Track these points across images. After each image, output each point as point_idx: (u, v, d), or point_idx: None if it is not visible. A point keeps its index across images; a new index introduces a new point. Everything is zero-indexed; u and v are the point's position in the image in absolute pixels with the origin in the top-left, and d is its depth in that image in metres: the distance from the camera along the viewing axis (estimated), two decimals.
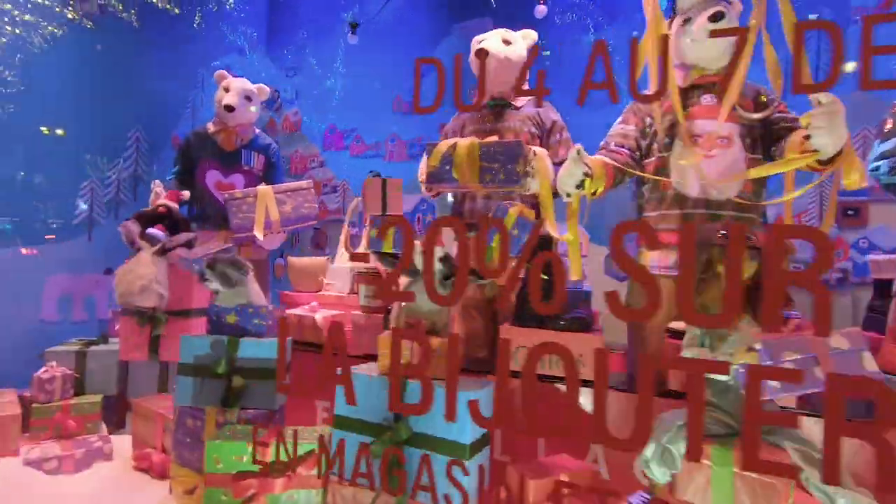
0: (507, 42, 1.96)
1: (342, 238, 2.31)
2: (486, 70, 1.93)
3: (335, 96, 3.45)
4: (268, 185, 2.69)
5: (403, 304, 1.48)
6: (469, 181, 1.57)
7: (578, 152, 1.52)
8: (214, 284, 1.59)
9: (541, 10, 2.63)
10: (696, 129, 1.68)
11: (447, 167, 1.59)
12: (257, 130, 2.71)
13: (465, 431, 1.21)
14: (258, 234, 2.34)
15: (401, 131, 3.30)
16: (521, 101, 2.02)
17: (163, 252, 2.01)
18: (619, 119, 1.89)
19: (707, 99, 1.69)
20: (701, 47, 1.66)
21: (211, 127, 2.62)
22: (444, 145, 1.59)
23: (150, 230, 2.02)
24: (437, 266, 1.43)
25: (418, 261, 1.43)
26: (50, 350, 2.06)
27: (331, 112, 3.47)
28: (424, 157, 2.21)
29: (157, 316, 2.01)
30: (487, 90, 2.02)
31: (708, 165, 1.65)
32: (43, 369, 1.96)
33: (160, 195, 2.26)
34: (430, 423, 1.29)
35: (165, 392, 2.12)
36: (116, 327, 2.47)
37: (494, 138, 1.57)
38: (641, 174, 1.69)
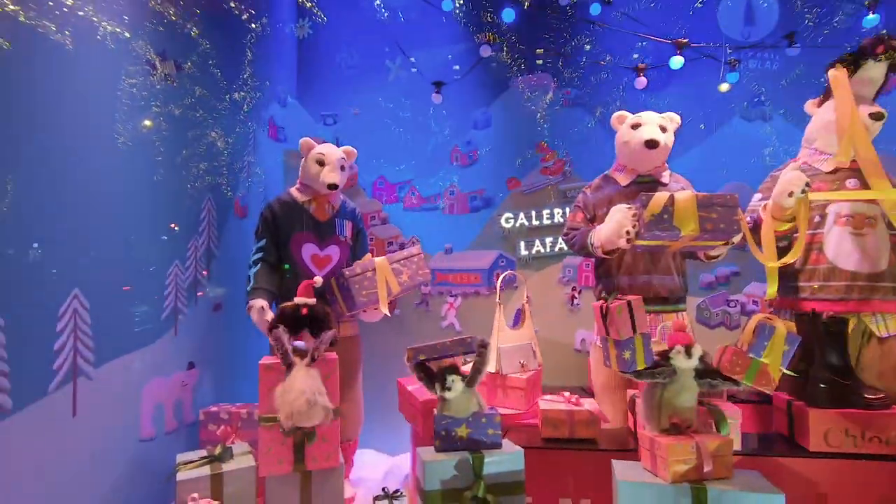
0: (663, 129, 2.05)
1: (498, 316, 2.25)
2: (649, 156, 2.02)
3: (385, 146, 3.31)
4: (356, 251, 2.55)
5: (664, 403, 1.49)
6: (689, 231, 1.62)
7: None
8: (455, 390, 1.48)
9: (641, 81, 2.76)
10: (846, 209, 1.90)
11: (665, 216, 1.63)
12: (342, 196, 2.53)
13: None
14: (384, 308, 2.20)
15: (460, 183, 3.25)
16: (665, 178, 2.12)
17: (313, 360, 1.81)
18: (763, 196, 2.06)
19: (852, 183, 1.91)
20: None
21: (298, 196, 2.40)
22: (662, 197, 1.64)
23: (296, 343, 1.82)
24: (695, 363, 1.47)
25: (677, 361, 1.47)
26: (182, 479, 1.76)
27: (380, 163, 3.32)
28: (571, 214, 2.24)
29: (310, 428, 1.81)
30: (637, 169, 2.11)
31: (861, 242, 1.87)
32: None
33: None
34: None
35: None
36: (214, 429, 2.18)
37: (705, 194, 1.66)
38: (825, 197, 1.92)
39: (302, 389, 1.73)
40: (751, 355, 1.46)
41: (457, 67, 3.19)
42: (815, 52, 2.76)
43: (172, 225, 2.15)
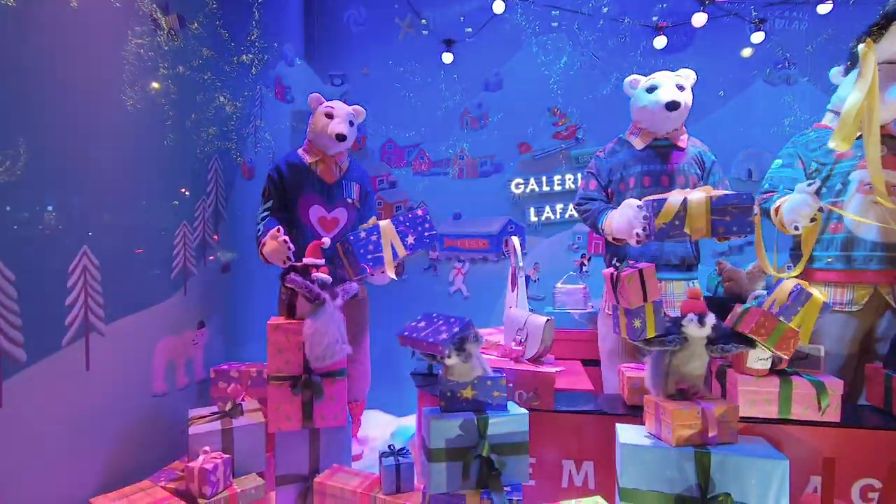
0: (680, 87, 1.97)
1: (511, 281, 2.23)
2: (670, 119, 1.95)
3: (394, 109, 3.24)
4: (363, 214, 2.53)
5: (672, 370, 1.48)
6: (702, 235, 1.59)
7: (817, 191, 1.63)
8: (454, 359, 1.48)
9: (661, 40, 2.63)
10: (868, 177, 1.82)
11: (677, 223, 1.59)
12: (350, 158, 2.49)
13: None
14: (390, 272, 2.19)
15: (470, 148, 3.19)
16: (683, 142, 2.05)
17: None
18: (784, 163, 1.98)
19: (882, 150, 1.83)
20: (888, 110, 1.77)
21: (307, 157, 2.37)
22: (674, 203, 1.58)
23: (320, 277, 1.82)
24: (707, 332, 1.45)
25: (689, 329, 1.45)
26: (194, 433, 1.80)
27: (389, 126, 3.26)
28: (583, 181, 2.19)
29: (316, 382, 1.84)
30: (655, 133, 2.04)
31: (883, 212, 1.80)
32: (201, 458, 1.72)
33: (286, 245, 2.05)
34: (741, 492, 1.33)
35: (318, 467, 1.94)
36: (224, 387, 2.23)
37: (721, 192, 1.58)
38: (843, 213, 1.80)
39: (335, 335, 1.76)
40: (780, 318, 1.43)
41: (469, 30, 3.07)
42: (848, 10, 2.61)
43: (183, 190, 2.14)
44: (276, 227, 2.10)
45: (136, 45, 1.85)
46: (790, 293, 1.46)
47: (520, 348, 1.88)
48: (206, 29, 2.26)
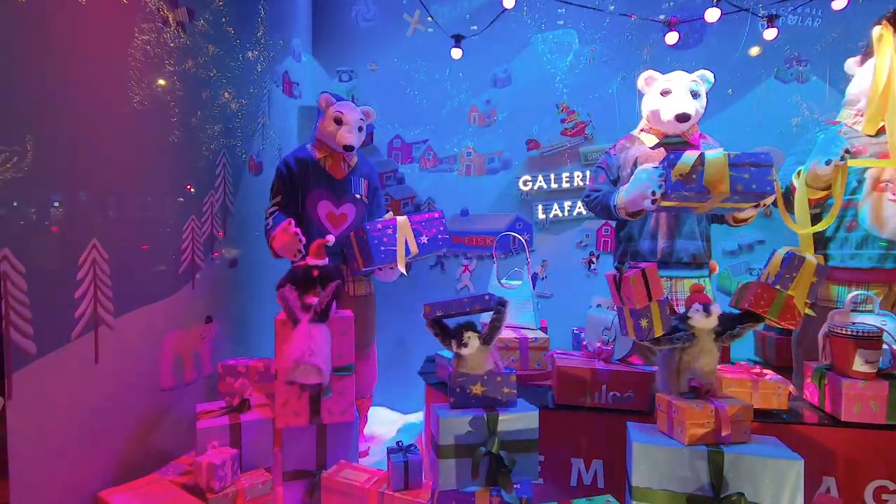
0: (695, 94, 1.95)
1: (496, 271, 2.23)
2: (679, 129, 1.93)
3: (401, 105, 3.22)
4: (371, 210, 2.53)
5: (683, 367, 1.46)
6: (720, 191, 1.55)
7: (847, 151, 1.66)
8: (471, 348, 1.47)
9: (672, 36, 2.60)
10: (886, 174, 1.80)
11: (694, 177, 1.56)
12: (358, 153, 2.48)
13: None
14: (401, 267, 2.18)
15: (477, 145, 3.17)
16: (695, 139, 2.03)
17: (321, 318, 1.81)
18: (798, 160, 1.96)
19: None
20: None
21: (316, 153, 2.36)
22: (691, 155, 1.57)
23: (311, 300, 1.82)
24: (714, 322, 1.44)
25: (696, 320, 1.43)
26: (203, 427, 1.80)
27: (396, 122, 3.24)
28: (592, 177, 2.17)
29: (324, 385, 1.83)
30: (665, 133, 2.02)
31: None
32: (209, 452, 1.72)
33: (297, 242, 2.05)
34: (754, 492, 1.31)
35: (325, 463, 1.93)
36: (231, 381, 2.22)
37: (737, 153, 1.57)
38: (863, 162, 1.80)
39: (295, 348, 1.73)
40: (777, 287, 1.40)
41: (474, 28, 3.05)
42: (861, 6, 2.58)
43: (190, 186, 2.14)
44: (288, 220, 2.10)
45: (142, 42, 1.84)
46: (782, 261, 1.42)
47: (607, 348, 1.85)
48: (212, 26, 2.25)
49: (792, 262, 1.41)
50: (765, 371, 1.75)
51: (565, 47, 3.05)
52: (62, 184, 1.55)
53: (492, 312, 1.51)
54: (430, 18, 3.08)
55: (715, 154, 1.56)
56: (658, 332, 1.45)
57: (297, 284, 1.86)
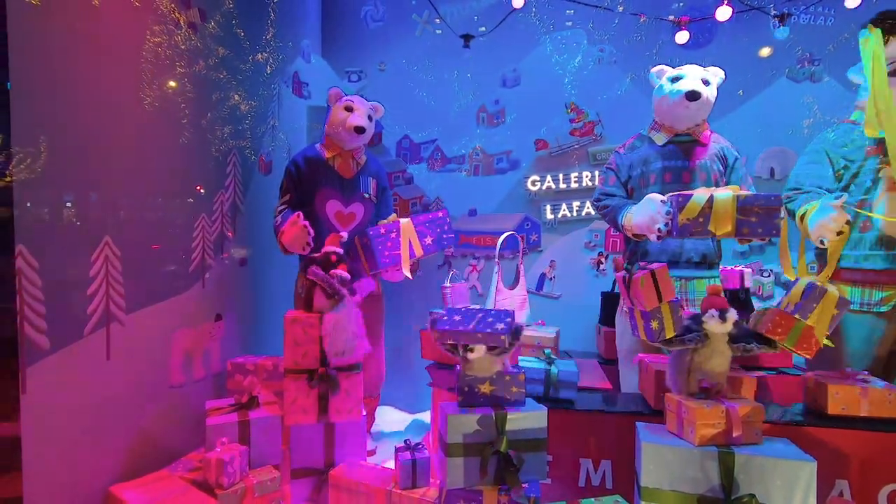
0: (705, 82, 1.93)
1: (497, 276, 2.23)
2: (689, 110, 1.91)
3: (410, 105, 3.23)
4: (380, 210, 2.53)
5: (694, 367, 1.45)
6: (725, 234, 1.55)
7: (844, 204, 1.57)
8: (478, 352, 1.47)
9: (682, 35, 2.59)
10: None
11: (701, 220, 1.56)
12: (367, 154, 2.49)
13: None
14: (406, 271, 2.18)
15: (485, 144, 3.17)
16: (706, 138, 2.01)
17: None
18: (811, 160, 1.94)
19: None
20: None
21: (324, 152, 2.38)
22: (699, 200, 1.55)
23: (340, 273, 1.82)
24: (728, 328, 1.42)
25: (710, 325, 1.42)
26: (212, 424, 1.81)
27: (405, 122, 3.25)
28: (602, 178, 2.17)
29: (332, 376, 1.83)
30: (676, 127, 2.00)
31: None
32: (218, 448, 1.73)
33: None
34: (765, 494, 1.30)
35: (333, 461, 1.94)
36: (240, 379, 2.24)
37: (749, 192, 1.55)
38: (871, 215, 1.75)
39: (354, 331, 1.77)
40: (796, 316, 1.40)
41: (482, 29, 3.04)
42: (875, 5, 2.55)
43: (199, 186, 2.16)
44: (297, 214, 2.10)
45: (154, 44, 1.87)
46: (803, 291, 1.42)
47: None
48: (222, 28, 2.27)
49: (813, 293, 1.41)
50: (870, 377, 1.69)
51: (574, 47, 3.04)
52: (75, 183, 1.57)
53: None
54: (437, 20, 3.08)
55: (724, 195, 1.54)
56: (669, 334, 1.44)
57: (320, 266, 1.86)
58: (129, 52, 1.78)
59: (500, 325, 1.46)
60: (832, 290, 1.40)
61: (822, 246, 1.66)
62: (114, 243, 1.69)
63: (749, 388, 1.69)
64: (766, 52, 2.82)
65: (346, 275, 1.82)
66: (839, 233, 1.59)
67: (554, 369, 1.79)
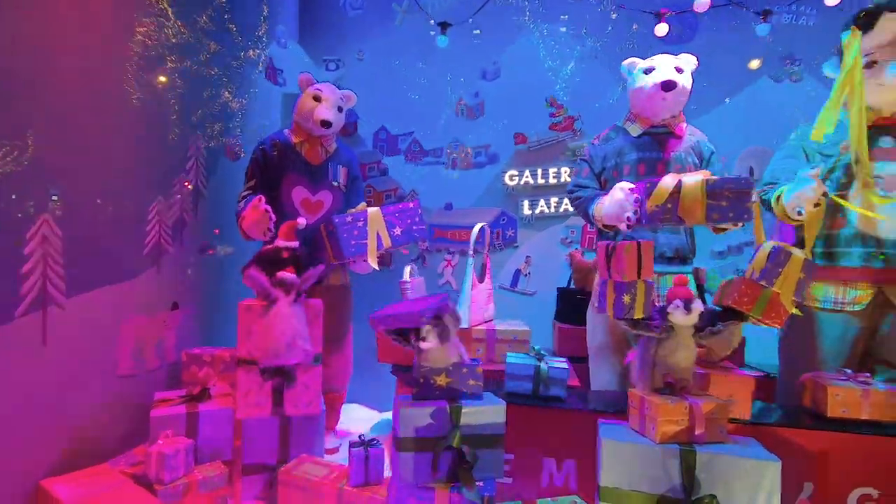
0: (679, 70, 1.88)
1: (472, 270, 2.16)
2: (666, 101, 1.86)
3: (388, 95, 3.15)
4: (349, 199, 2.45)
5: (658, 361, 1.39)
6: (695, 220, 1.49)
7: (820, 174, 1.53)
8: (431, 342, 1.39)
9: (662, 28, 2.55)
10: (877, 170, 1.73)
11: (669, 206, 1.49)
12: (337, 141, 2.41)
13: None
14: (372, 261, 2.10)
15: (464, 137, 3.10)
16: (681, 130, 1.96)
17: (297, 296, 1.75)
18: (787, 154, 1.90)
19: (888, 141, 1.74)
20: (890, 92, 1.69)
21: (292, 137, 2.29)
22: (667, 185, 1.49)
23: (282, 274, 1.73)
24: (694, 320, 1.37)
25: (675, 317, 1.36)
26: (156, 415, 1.71)
27: (382, 113, 3.18)
28: (576, 169, 2.11)
29: (289, 371, 1.75)
30: (651, 118, 1.95)
31: (891, 207, 1.71)
32: (161, 441, 1.63)
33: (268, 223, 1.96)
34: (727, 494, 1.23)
35: (287, 457, 1.84)
36: (196, 370, 2.14)
37: (711, 175, 1.48)
38: (847, 205, 1.70)
39: (283, 330, 1.68)
40: (762, 283, 1.33)
41: (470, 21, 2.98)
42: (855, 5, 2.53)
43: (152, 167, 2.06)
44: (258, 197, 2.01)
45: (142, 36, 1.79)
46: (769, 255, 1.35)
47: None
48: (180, 4, 2.18)
49: (778, 257, 1.35)
50: (871, 378, 1.63)
51: (555, 41, 2.99)
52: (10, 157, 1.47)
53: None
54: (419, 9, 3.02)
55: (693, 179, 1.48)
56: (638, 314, 1.38)
57: (263, 266, 1.78)
58: (72, 20, 1.68)
59: (419, 306, 1.40)
60: (798, 253, 1.33)
61: (798, 217, 1.58)
62: (53, 221, 1.59)
63: (748, 388, 1.61)
64: (755, 64, 2.79)
65: (291, 276, 1.73)
66: (816, 204, 1.54)
67: (543, 366, 1.73)
